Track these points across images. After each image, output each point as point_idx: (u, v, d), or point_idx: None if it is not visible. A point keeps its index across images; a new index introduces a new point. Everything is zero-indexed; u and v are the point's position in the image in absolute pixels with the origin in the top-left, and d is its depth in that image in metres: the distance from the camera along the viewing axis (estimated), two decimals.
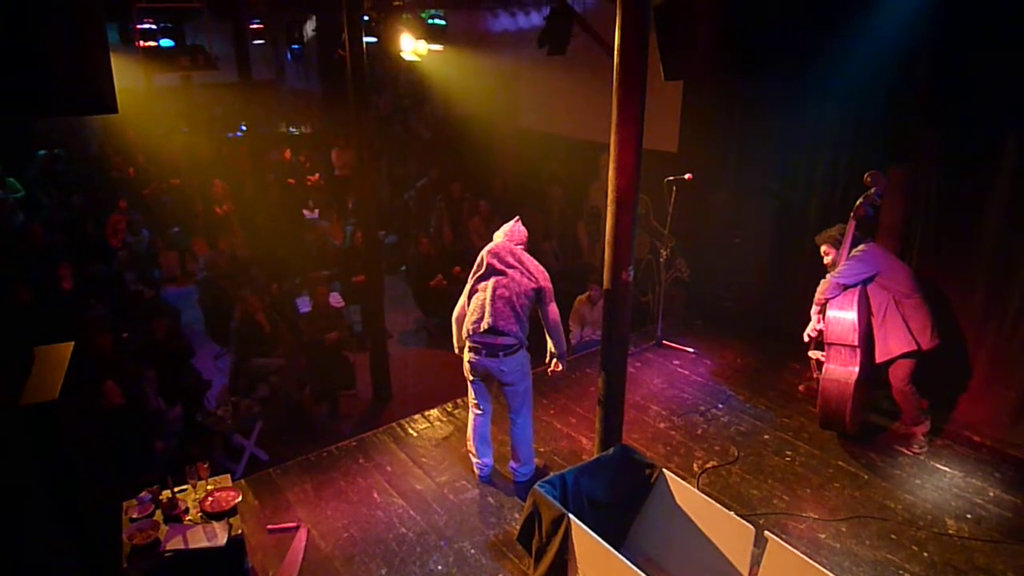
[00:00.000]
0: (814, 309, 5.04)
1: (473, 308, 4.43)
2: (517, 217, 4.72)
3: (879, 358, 4.85)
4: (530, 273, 4.41)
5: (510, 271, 4.36)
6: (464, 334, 4.49)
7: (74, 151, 12.23)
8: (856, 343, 4.74)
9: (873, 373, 4.94)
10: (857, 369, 4.76)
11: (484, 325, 4.32)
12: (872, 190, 4.79)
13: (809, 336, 5.15)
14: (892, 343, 4.79)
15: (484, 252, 4.49)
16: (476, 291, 4.46)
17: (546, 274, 4.50)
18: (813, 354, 5.28)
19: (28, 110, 2.57)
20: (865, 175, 4.82)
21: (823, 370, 4.92)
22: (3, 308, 2.89)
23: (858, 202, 4.83)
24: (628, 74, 3.73)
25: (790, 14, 4.43)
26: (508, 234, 4.59)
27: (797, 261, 6.43)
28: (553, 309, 4.48)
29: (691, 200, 6.60)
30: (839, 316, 4.81)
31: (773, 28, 4.36)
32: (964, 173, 5.07)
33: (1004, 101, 4.77)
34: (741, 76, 5.73)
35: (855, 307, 4.76)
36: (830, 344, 4.86)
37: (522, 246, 4.56)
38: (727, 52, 4.40)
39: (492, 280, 4.37)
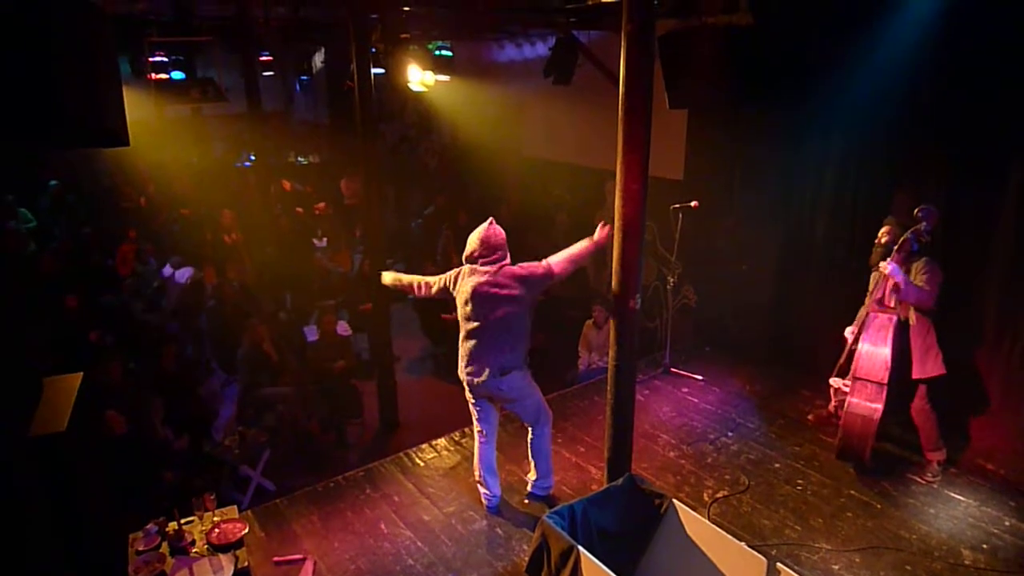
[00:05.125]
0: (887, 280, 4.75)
1: (466, 357, 4.34)
2: (491, 219, 4.38)
3: (915, 375, 4.76)
4: (519, 291, 4.21)
5: (498, 311, 4.21)
6: (461, 376, 4.43)
7: (85, 182, 12.38)
8: (886, 381, 4.68)
9: (892, 406, 4.86)
10: (882, 407, 4.69)
11: (478, 381, 4.30)
12: (922, 225, 4.60)
13: (852, 333, 5.05)
14: (930, 363, 4.74)
15: (469, 289, 4.24)
16: (468, 336, 4.30)
17: (531, 268, 4.27)
18: (835, 382, 5.18)
19: (41, 142, 2.60)
20: (915, 209, 4.64)
21: (847, 404, 4.81)
22: (13, 339, 2.89)
23: (905, 236, 4.65)
24: (633, 103, 3.77)
25: (794, 43, 4.49)
26: (482, 240, 4.25)
27: (804, 287, 6.42)
28: (555, 270, 4.28)
29: (697, 227, 6.62)
30: (872, 352, 4.74)
31: (777, 56, 4.41)
32: (970, 197, 5.07)
33: (1009, 124, 4.78)
34: (745, 104, 5.78)
35: (889, 344, 4.71)
36: (857, 378, 4.78)
37: (501, 252, 4.25)
38: (731, 80, 4.45)
39: (486, 331, 4.24)
